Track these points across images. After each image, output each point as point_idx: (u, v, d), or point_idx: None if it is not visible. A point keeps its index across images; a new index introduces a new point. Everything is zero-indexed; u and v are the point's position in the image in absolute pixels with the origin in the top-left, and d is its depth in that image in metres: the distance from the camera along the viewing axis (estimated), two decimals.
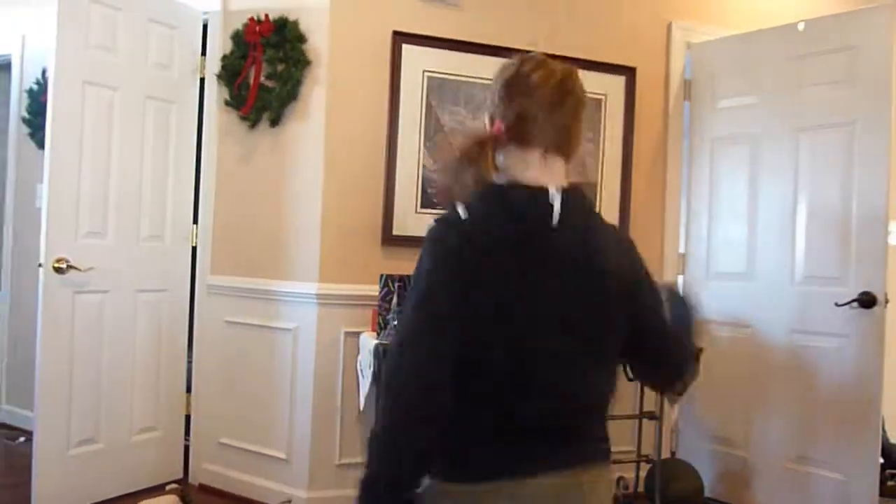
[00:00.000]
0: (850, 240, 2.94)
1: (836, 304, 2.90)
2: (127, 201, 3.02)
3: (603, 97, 3.33)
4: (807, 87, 3.09)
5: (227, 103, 3.13)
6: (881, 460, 3.08)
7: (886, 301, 2.85)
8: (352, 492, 3.16)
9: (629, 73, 3.37)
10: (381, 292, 2.71)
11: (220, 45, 3.16)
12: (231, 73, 3.10)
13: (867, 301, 2.85)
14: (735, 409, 3.27)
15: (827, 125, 3.02)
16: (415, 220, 3.07)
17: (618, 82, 3.35)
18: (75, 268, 2.78)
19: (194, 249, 3.27)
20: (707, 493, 3.19)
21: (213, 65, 3.16)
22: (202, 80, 3.24)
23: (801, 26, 3.12)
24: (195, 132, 3.27)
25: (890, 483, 3.45)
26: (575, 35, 3.29)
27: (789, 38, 3.15)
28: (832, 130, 3.00)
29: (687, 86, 3.51)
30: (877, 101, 2.87)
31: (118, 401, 3.00)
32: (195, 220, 3.26)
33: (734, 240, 3.33)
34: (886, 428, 3.41)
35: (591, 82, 3.31)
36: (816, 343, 3.02)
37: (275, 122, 3.05)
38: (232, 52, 3.10)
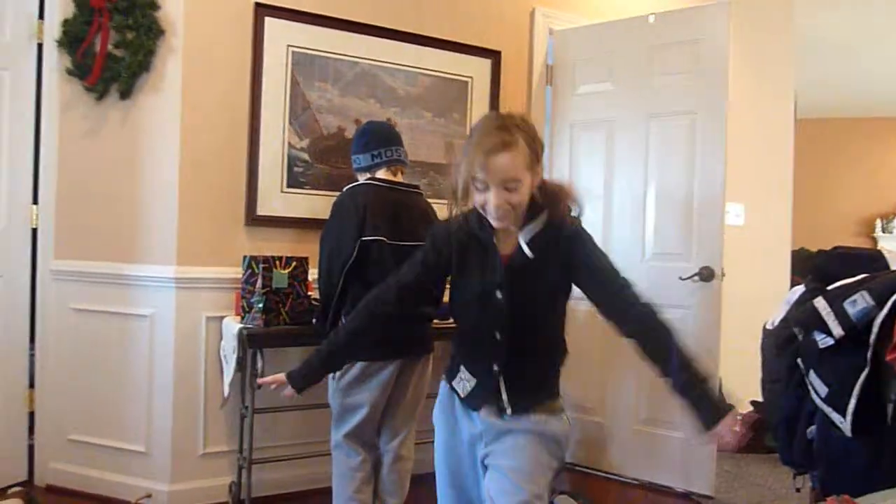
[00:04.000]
0: (692, 219, 3.20)
1: (680, 278, 3.16)
2: None
3: (469, 80, 3.39)
4: (656, 77, 3.30)
5: (69, 72, 2.87)
6: None
7: (723, 275, 3.14)
8: (217, 481, 3.06)
9: (494, 56, 3.44)
10: (244, 274, 2.61)
11: (60, 9, 2.88)
12: (74, 39, 2.84)
13: (707, 275, 3.12)
14: (592, 377, 3.48)
15: (673, 113, 3.26)
16: (281, 200, 2.98)
17: (483, 65, 3.41)
18: None
19: (35, 232, 2.99)
20: (567, 459, 3.38)
21: (54, 29, 2.89)
22: (40, 46, 2.95)
23: (651, 19, 3.32)
24: (33, 103, 2.97)
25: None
26: (442, 17, 3.32)
27: (641, 29, 3.35)
28: (677, 118, 3.24)
29: (549, 71, 3.64)
30: (715, 91, 3.13)
31: None
32: (35, 200, 2.98)
33: (591, 219, 3.48)
34: (723, 390, 3.76)
35: (457, 65, 3.41)
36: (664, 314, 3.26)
37: (125, 94, 2.84)
38: (74, 17, 2.84)
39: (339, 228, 2.37)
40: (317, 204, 3.00)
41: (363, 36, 3.12)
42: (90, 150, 2.92)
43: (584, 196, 1.73)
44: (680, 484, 3.21)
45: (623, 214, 3.41)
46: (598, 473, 3.42)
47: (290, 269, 2.62)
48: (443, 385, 1.80)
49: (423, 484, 2.93)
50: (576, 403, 3.53)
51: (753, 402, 3.87)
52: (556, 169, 3.64)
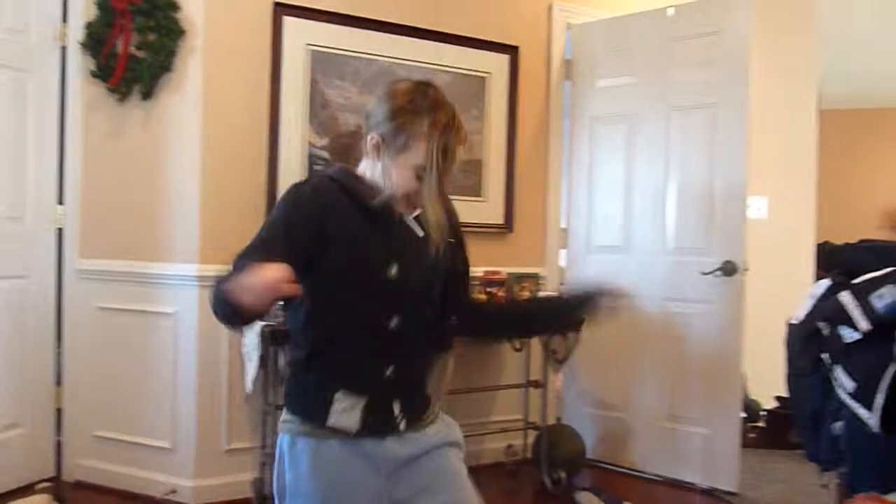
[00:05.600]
0: (713, 213, 3.17)
1: (702, 273, 3.13)
2: None
3: (487, 76, 3.38)
4: (676, 69, 3.27)
5: (93, 74, 2.91)
6: (743, 415, 3.37)
7: (746, 269, 3.10)
8: (241, 477, 3.08)
9: (512, 52, 3.43)
10: None
11: (82, 11, 2.92)
12: (97, 41, 2.88)
13: (729, 269, 3.09)
14: (614, 374, 3.46)
15: (693, 106, 3.22)
16: None
17: (501, 61, 3.40)
18: None
19: (60, 231, 3.04)
20: (589, 455, 3.37)
21: (77, 32, 2.93)
22: (64, 49, 2.99)
23: (670, 11, 3.29)
24: (58, 105, 3.01)
25: (751, 435, 3.78)
26: (460, 13, 3.32)
27: (660, 22, 3.32)
28: (698, 111, 3.21)
29: (567, 66, 3.63)
30: (736, 83, 3.09)
31: None
32: (60, 201, 3.03)
33: (612, 214, 3.49)
34: (747, 385, 3.73)
35: (475, 61, 3.40)
36: (685, 309, 3.24)
37: (147, 94, 2.87)
38: (97, 20, 2.88)
39: None
40: None
41: (381, 33, 3.12)
42: (113, 151, 2.96)
43: None
44: (703, 480, 3.18)
45: (644, 209, 3.38)
46: (621, 470, 3.40)
47: None
48: (297, 443, 1.37)
49: None
50: (597, 399, 3.52)
51: (778, 398, 3.82)
52: (576, 164, 3.62)
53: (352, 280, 1.37)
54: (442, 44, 3.25)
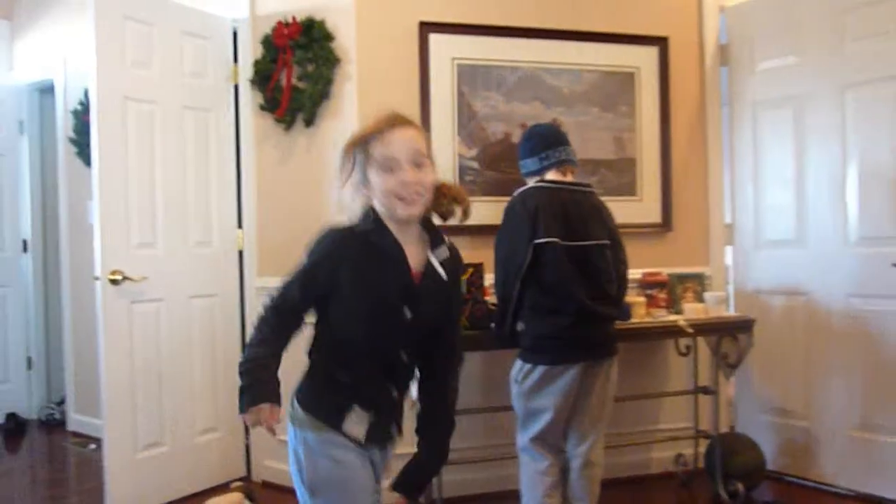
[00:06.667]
0: None
1: (894, 265, 2.80)
2: (174, 210, 3.10)
3: (636, 70, 3.27)
4: (851, 42, 2.97)
5: (261, 107, 3.18)
6: None
7: None
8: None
9: (661, 43, 3.30)
10: None
11: (250, 51, 3.20)
12: (263, 77, 3.15)
13: None
14: (793, 378, 3.19)
15: (874, 80, 2.91)
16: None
17: (650, 54, 3.28)
18: (130, 278, 2.87)
19: (241, 253, 3.34)
20: (769, 466, 3.12)
21: (246, 71, 3.22)
22: (236, 87, 3.29)
23: None
24: (234, 138, 3.33)
25: None
26: (604, 10, 3.24)
27: None
28: (880, 85, 2.89)
29: (723, 51, 3.42)
30: None
31: (180, 404, 3.10)
32: (240, 225, 3.33)
33: (782, 206, 3.23)
34: None
35: (622, 56, 3.32)
36: (876, 306, 2.92)
37: (309, 122, 3.09)
38: (263, 57, 3.15)
39: (511, 233, 2.38)
40: (489, 210, 3.04)
41: (524, 39, 3.13)
42: (282, 176, 3.20)
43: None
44: None
45: (818, 198, 3.10)
46: (806, 483, 3.12)
47: (466, 276, 2.68)
48: (320, 437, 1.55)
49: (613, 489, 2.86)
50: (775, 407, 3.27)
51: None
52: (739, 154, 3.40)
53: (372, 321, 1.53)
54: (586, 43, 3.19)
